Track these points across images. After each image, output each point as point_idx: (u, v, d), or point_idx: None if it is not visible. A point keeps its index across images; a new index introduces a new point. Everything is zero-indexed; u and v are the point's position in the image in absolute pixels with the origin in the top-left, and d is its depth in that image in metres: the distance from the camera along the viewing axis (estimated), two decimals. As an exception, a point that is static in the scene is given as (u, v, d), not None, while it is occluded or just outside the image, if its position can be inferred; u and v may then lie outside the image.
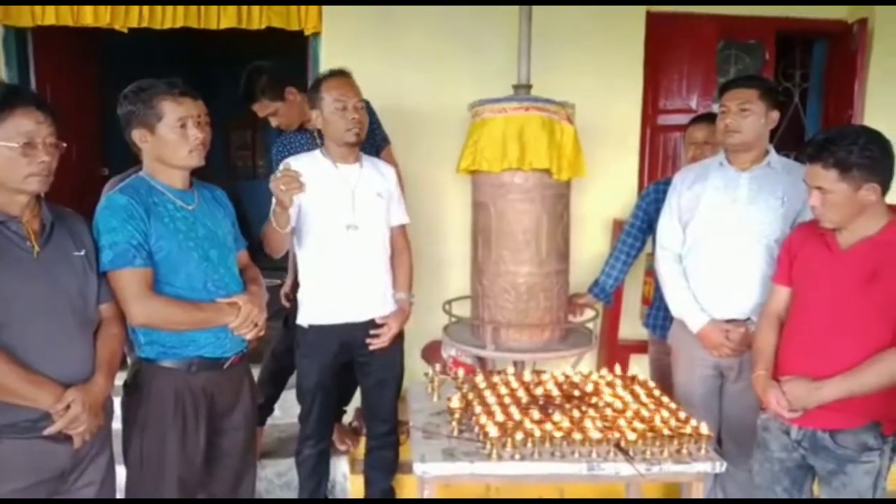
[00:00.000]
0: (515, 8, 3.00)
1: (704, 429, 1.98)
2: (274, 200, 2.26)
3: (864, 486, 1.90)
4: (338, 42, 3.48)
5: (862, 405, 1.86)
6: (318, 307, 2.45)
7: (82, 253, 1.79)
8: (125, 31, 3.41)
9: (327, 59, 3.42)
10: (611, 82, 3.64)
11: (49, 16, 3.34)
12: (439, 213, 3.58)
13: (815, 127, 4.38)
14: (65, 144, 1.74)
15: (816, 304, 1.96)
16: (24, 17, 3.35)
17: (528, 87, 2.95)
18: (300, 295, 2.49)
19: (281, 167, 2.22)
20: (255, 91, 2.86)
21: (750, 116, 2.30)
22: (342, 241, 2.40)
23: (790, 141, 4.25)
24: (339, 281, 2.42)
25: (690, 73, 3.94)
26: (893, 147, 1.85)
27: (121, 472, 1.95)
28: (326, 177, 2.39)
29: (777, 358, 2.05)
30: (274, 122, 2.97)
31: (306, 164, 2.39)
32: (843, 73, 4.01)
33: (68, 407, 1.66)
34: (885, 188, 1.85)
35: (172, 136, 1.90)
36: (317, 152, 2.47)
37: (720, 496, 2.58)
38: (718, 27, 3.90)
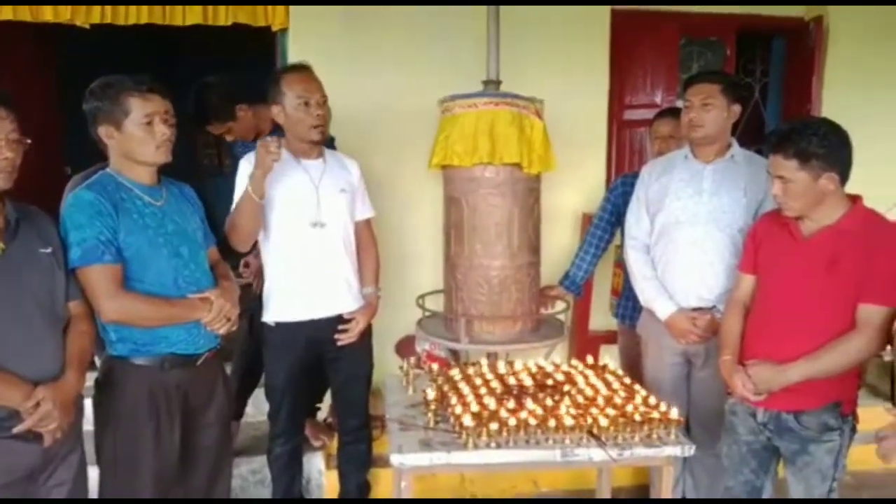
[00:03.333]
0: (483, 5, 3.02)
1: (674, 413, 2.03)
2: (237, 196, 2.28)
3: (825, 464, 1.97)
4: (305, 38, 3.46)
5: (823, 387, 1.93)
6: (284, 304, 2.43)
7: (49, 250, 1.76)
8: (87, 27, 3.34)
9: (295, 55, 3.39)
10: (577, 79, 3.69)
11: (6, 11, 3.24)
12: (409, 210, 3.59)
13: (775, 121, 4.50)
14: (29, 140, 1.71)
15: (780, 291, 2.02)
16: (-19, 13, 3.27)
17: (498, 82, 2.98)
18: (265, 292, 2.48)
19: (245, 163, 2.29)
20: (207, 115, 2.89)
21: (712, 110, 2.36)
22: (308, 238, 2.39)
23: (751, 134, 4.36)
24: (305, 278, 2.40)
25: (654, 70, 4.02)
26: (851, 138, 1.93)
27: (93, 473, 1.92)
28: (289, 173, 2.36)
29: (742, 343, 2.11)
30: (228, 137, 3.02)
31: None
32: (802, 68, 4.13)
33: (38, 405, 1.63)
34: (843, 177, 1.91)
35: (139, 133, 1.88)
36: None
37: (689, 481, 2.65)
38: (681, 25, 3.98)
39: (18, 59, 3.79)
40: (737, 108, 2.41)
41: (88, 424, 1.91)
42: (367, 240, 2.62)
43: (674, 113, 2.88)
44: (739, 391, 2.02)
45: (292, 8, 3.45)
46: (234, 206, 2.32)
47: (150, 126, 1.88)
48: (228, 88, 2.89)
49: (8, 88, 3.47)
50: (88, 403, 1.93)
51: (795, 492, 2.04)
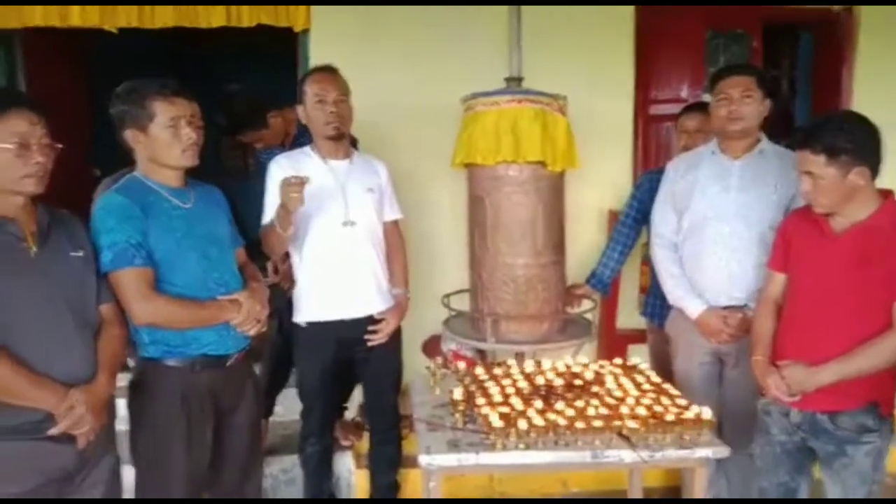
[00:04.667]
0: (504, 5, 3.00)
1: (706, 414, 1.99)
2: (267, 202, 2.32)
3: (864, 466, 1.92)
4: (327, 38, 3.47)
5: (859, 387, 1.88)
6: (315, 304, 2.45)
7: (80, 254, 1.78)
8: (115, 31, 3.39)
9: (317, 55, 3.40)
10: (602, 74, 3.65)
11: (36, 17, 3.31)
12: (433, 209, 3.58)
13: (804, 114, 4.41)
14: (59, 145, 1.74)
15: (812, 289, 1.98)
16: (11, 18, 3.32)
17: (520, 79, 2.96)
18: (295, 292, 2.50)
19: (276, 166, 2.31)
20: (241, 125, 2.96)
21: (752, 103, 2.32)
22: (338, 237, 2.41)
23: (780, 128, 4.28)
24: (335, 277, 2.42)
25: (680, 64, 3.96)
26: (881, 131, 1.87)
27: (128, 473, 1.95)
28: (316, 173, 2.38)
29: (775, 343, 2.07)
30: (259, 145, 3.08)
31: (297, 160, 2.43)
32: (831, 60, 4.04)
33: (71, 408, 1.65)
34: (873, 172, 1.87)
35: (165, 136, 1.90)
36: (307, 148, 2.48)
37: (723, 482, 2.61)
38: (706, 18, 3.91)
39: (48, 63, 3.84)
40: (768, 103, 2.37)
41: (123, 425, 1.94)
42: (396, 241, 2.62)
43: (701, 107, 2.84)
44: (773, 392, 1.98)
45: (314, 8, 3.47)
46: (264, 218, 2.35)
47: (175, 129, 1.90)
48: (256, 96, 2.95)
49: (38, 92, 3.58)
50: (122, 404, 1.95)
51: (833, 494, 1.99)
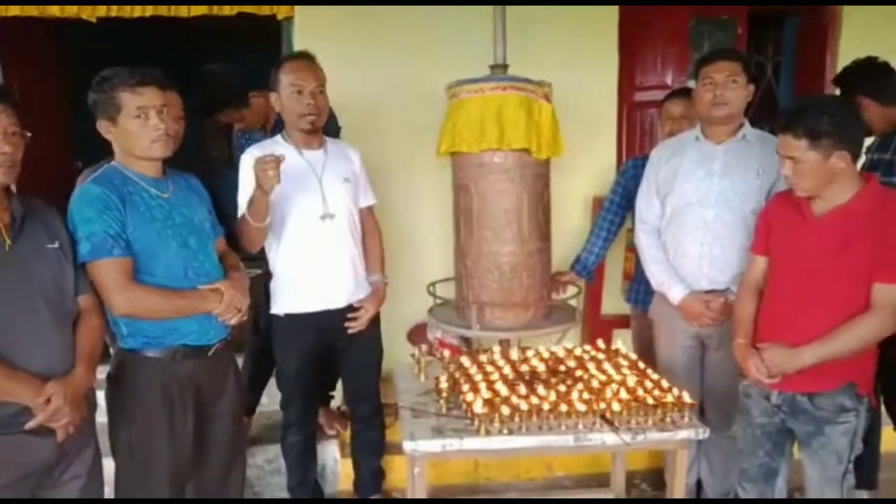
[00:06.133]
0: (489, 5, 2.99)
1: (687, 397, 2.02)
2: (241, 197, 2.24)
3: (841, 445, 1.95)
4: (311, 26, 3.44)
5: (838, 368, 1.91)
6: (293, 296, 2.43)
7: (56, 245, 1.76)
8: (93, 21, 3.34)
9: (300, 44, 3.37)
10: (586, 61, 3.63)
11: (14, 7, 3.26)
12: (418, 197, 3.57)
13: (788, 100, 4.42)
14: (29, 134, 1.71)
15: (793, 273, 1.99)
16: (-12, 9, 3.28)
17: (505, 66, 2.95)
18: (273, 284, 2.47)
19: (248, 157, 2.23)
20: (219, 103, 2.88)
21: (737, 88, 2.33)
22: (317, 231, 2.38)
23: (764, 114, 4.29)
24: (314, 269, 2.40)
25: (665, 50, 3.96)
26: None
27: (108, 465, 1.94)
28: (292, 164, 2.32)
29: (756, 326, 2.09)
30: (238, 125, 3.00)
31: (270, 151, 2.36)
32: (815, 45, 4.05)
33: (49, 401, 1.64)
34: (854, 155, 1.88)
35: (132, 127, 1.86)
36: (278, 138, 2.43)
37: (704, 463, 2.64)
38: (691, 4, 3.91)
39: (28, 55, 3.79)
40: (751, 88, 2.38)
41: (102, 416, 1.93)
42: (371, 227, 2.61)
43: (685, 93, 2.84)
44: (753, 375, 2.00)
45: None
46: (239, 213, 2.28)
47: (142, 120, 1.85)
48: (237, 75, 2.89)
49: (17, 84, 3.53)
50: (102, 396, 1.94)
51: (811, 473, 2.02)
